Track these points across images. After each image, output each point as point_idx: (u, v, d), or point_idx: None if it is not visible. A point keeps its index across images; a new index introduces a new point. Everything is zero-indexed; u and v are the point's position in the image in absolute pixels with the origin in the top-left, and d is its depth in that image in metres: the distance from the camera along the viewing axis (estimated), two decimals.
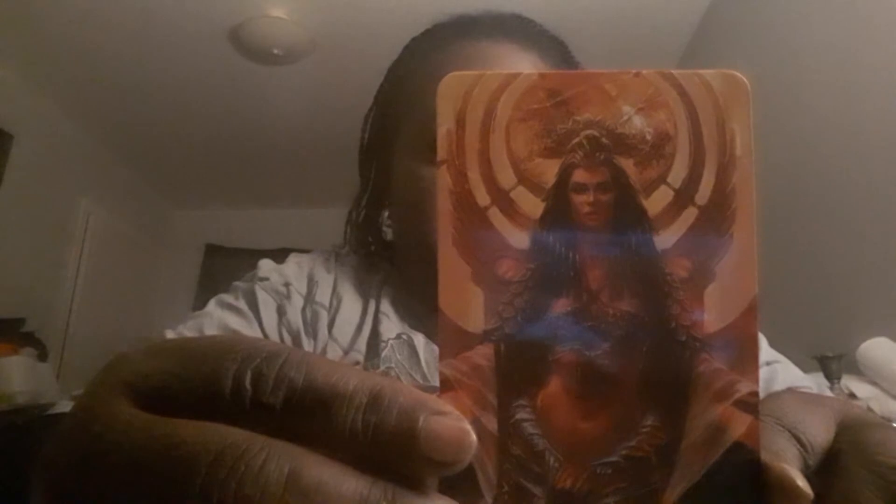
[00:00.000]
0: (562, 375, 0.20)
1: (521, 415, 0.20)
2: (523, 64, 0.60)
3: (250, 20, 2.52)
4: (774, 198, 1.69)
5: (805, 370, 0.62)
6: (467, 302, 0.20)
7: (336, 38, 2.65)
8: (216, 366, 0.17)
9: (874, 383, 1.36)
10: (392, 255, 0.67)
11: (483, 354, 0.20)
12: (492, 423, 0.20)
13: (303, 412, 0.17)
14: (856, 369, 1.41)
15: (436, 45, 0.63)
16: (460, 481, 0.18)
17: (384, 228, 0.69)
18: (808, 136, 1.76)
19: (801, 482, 0.19)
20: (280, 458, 0.15)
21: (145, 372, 0.18)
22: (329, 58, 2.76)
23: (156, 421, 0.17)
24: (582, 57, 0.68)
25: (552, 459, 0.20)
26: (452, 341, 0.20)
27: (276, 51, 2.66)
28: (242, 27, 2.57)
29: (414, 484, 0.17)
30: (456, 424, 0.17)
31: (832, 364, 1.43)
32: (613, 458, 0.20)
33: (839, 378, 1.42)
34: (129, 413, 0.17)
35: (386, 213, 0.68)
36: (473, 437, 0.17)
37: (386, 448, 0.16)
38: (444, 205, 0.21)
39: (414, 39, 0.68)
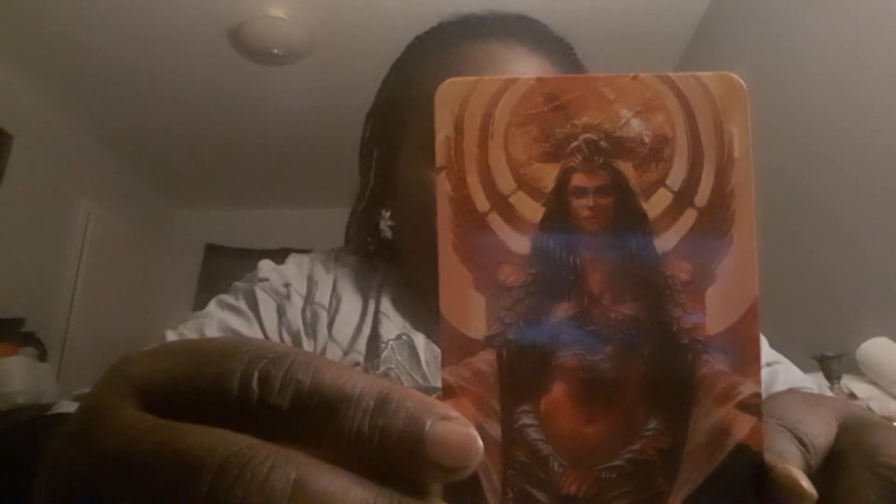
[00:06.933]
0: (565, 380, 0.20)
1: (524, 420, 0.20)
2: (533, 67, 0.59)
3: (250, 20, 2.52)
4: (774, 198, 1.69)
5: (805, 370, 0.62)
6: (469, 308, 0.20)
7: (336, 38, 2.65)
8: (223, 367, 0.17)
9: (874, 383, 1.36)
10: (392, 255, 0.67)
11: (485, 360, 0.20)
12: (495, 430, 0.20)
13: (310, 414, 0.17)
14: (856, 369, 1.41)
15: (443, 46, 0.62)
16: (465, 488, 0.18)
17: (384, 227, 0.69)
18: (806, 137, 1.76)
19: (806, 483, 0.19)
20: (286, 465, 0.15)
21: (151, 373, 0.18)
22: (329, 58, 2.76)
23: (161, 425, 0.17)
24: (580, 58, 0.68)
25: (556, 465, 0.20)
26: (454, 348, 0.20)
27: (276, 51, 2.66)
28: (242, 27, 2.56)
29: (419, 491, 0.17)
30: (463, 430, 0.17)
31: (832, 364, 1.43)
32: (618, 463, 0.20)
33: (839, 378, 1.42)
34: (134, 416, 0.17)
35: (387, 213, 0.68)
36: (480, 442, 0.17)
37: (392, 452, 0.16)
38: (443, 211, 0.21)
39: (419, 38, 0.67)
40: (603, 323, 0.20)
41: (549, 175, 0.21)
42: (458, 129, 0.21)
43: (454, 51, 0.61)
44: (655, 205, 0.21)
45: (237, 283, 0.64)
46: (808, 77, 1.77)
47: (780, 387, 0.55)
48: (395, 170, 0.63)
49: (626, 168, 0.21)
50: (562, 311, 0.20)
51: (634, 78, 0.21)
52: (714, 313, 0.20)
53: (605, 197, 0.21)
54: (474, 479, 0.19)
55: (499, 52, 0.59)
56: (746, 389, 0.20)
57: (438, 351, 0.56)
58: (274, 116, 3.29)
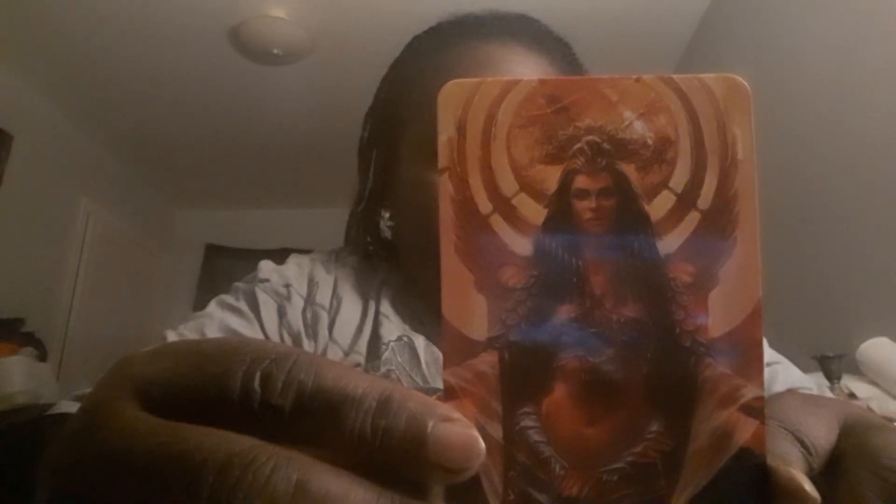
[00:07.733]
0: (566, 382, 0.20)
1: (526, 422, 0.20)
2: (532, 67, 0.59)
3: (250, 20, 2.52)
4: (775, 199, 1.69)
5: (805, 370, 0.62)
6: (471, 309, 0.20)
7: (336, 38, 2.65)
8: (225, 367, 0.17)
9: (874, 383, 1.36)
10: (391, 255, 0.67)
11: (487, 362, 0.20)
12: (497, 431, 0.20)
13: (311, 415, 0.17)
14: (856, 369, 1.41)
15: (441, 46, 0.62)
16: (466, 490, 0.18)
17: (384, 228, 0.69)
18: (806, 137, 1.76)
19: (809, 486, 0.19)
20: (288, 467, 0.15)
21: (153, 373, 0.18)
22: (329, 58, 2.76)
23: (163, 426, 0.17)
24: (580, 58, 0.68)
25: (558, 467, 0.20)
26: (456, 349, 0.20)
27: (276, 51, 2.66)
28: (242, 27, 2.57)
29: (420, 492, 0.17)
30: (465, 431, 0.17)
31: (832, 364, 1.43)
32: (619, 465, 0.20)
33: (839, 378, 1.42)
34: (136, 416, 0.17)
35: (387, 214, 0.68)
36: (482, 443, 0.17)
37: (394, 453, 0.16)
38: (445, 212, 0.21)
39: (417, 38, 0.67)
40: (605, 325, 0.20)
41: (551, 177, 0.21)
42: (461, 130, 0.21)
43: (453, 51, 0.61)
44: (658, 207, 0.21)
45: (237, 284, 0.64)
46: (808, 77, 1.77)
47: (779, 387, 0.55)
48: (395, 170, 0.63)
49: (629, 170, 0.21)
50: (564, 312, 0.20)
51: (637, 80, 0.21)
52: (717, 316, 0.20)
53: (607, 199, 0.21)
54: (475, 480, 0.19)
55: (497, 52, 0.59)
56: (749, 392, 0.20)
57: (439, 353, 0.56)
58: (274, 116, 3.29)
